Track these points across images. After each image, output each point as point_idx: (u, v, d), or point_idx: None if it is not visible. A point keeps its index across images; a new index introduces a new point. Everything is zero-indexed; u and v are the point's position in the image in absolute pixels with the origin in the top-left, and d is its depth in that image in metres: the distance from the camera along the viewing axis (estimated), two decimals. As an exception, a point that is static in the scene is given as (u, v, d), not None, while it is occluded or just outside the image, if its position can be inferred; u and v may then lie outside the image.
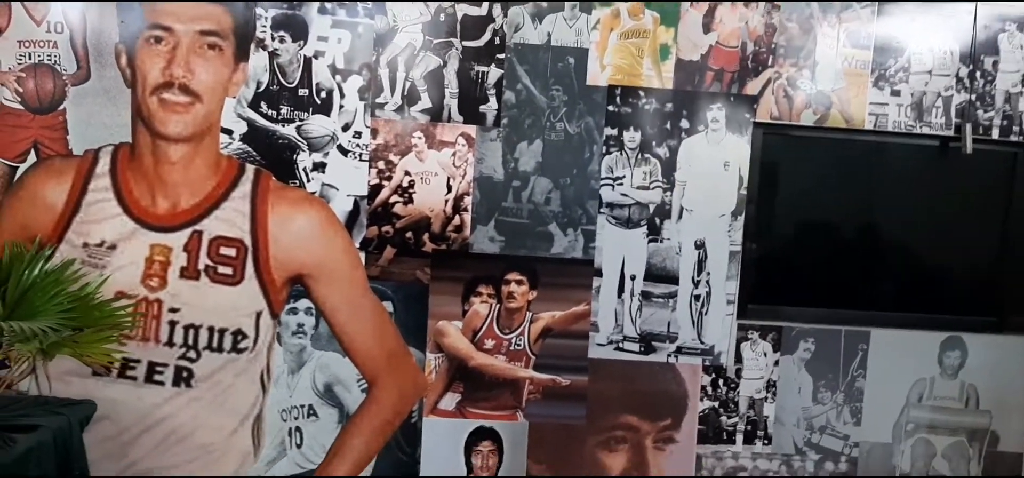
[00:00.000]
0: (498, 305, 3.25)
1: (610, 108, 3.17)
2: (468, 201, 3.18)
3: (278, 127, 3.05)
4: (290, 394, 3.15)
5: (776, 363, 3.31)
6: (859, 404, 3.33)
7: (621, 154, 3.20)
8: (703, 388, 3.31)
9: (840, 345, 3.30)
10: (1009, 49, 3.25)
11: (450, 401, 3.27)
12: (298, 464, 3.16)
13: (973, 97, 3.25)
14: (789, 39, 3.19)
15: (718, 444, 3.34)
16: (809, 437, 3.35)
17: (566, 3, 3.10)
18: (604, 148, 3.19)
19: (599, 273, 3.25)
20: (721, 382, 3.31)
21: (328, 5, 3.00)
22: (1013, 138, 3.28)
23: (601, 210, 3.22)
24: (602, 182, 3.20)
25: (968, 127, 3.20)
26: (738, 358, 3.30)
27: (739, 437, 3.34)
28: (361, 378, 3.16)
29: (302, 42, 3.03)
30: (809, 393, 3.32)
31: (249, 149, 3.05)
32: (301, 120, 3.06)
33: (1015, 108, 3.27)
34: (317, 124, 3.09)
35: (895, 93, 3.23)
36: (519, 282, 3.24)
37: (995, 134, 3.28)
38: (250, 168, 3.03)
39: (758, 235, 3.31)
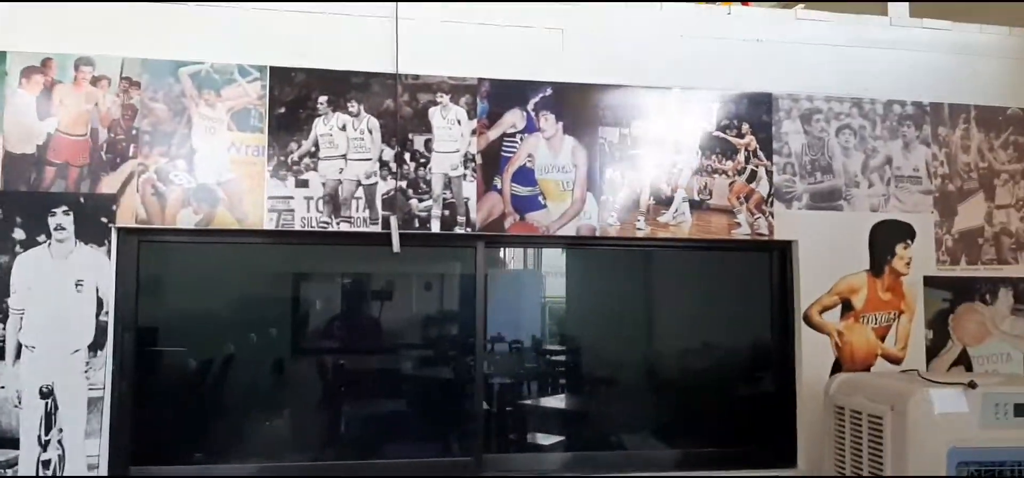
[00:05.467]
0: None
1: (-92, 219, 2.38)
2: None
3: None
4: None
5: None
6: None
7: (-70, 279, 2.40)
8: None
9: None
10: (444, 124, 2.70)
11: None
12: None
13: (403, 184, 2.66)
14: (156, 123, 2.53)
15: None
16: None
17: None
18: (-95, 273, 2.38)
19: (-101, 444, 2.36)
20: None
21: None
22: (460, 230, 2.68)
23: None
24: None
25: (394, 220, 2.60)
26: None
27: None
28: None
29: None
30: None
31: None
32: None
33: (458, 194, 2.68)
34: None
35: (302, 184, 2.60)
36: None
37: (435, 227, 2.67)
38: None
39: (137, 373, 2.53)
